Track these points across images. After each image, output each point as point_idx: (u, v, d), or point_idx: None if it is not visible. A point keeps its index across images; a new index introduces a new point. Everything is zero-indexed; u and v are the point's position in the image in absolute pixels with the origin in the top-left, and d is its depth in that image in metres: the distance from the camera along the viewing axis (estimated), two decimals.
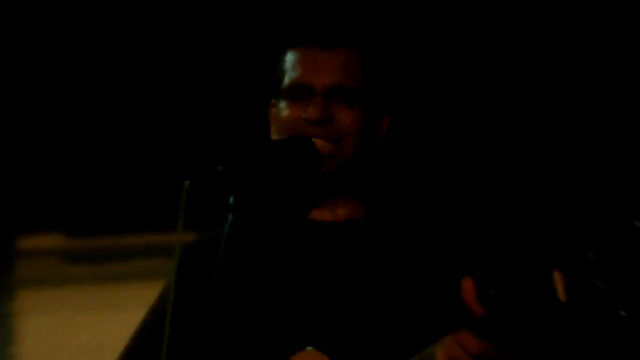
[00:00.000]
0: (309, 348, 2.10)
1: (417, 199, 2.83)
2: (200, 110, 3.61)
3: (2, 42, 3.88)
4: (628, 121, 3.87)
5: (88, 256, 4.12)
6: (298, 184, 2.26)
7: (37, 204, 4.13)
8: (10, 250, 4.22)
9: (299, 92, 2.27)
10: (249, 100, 2.72)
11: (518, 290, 1.88)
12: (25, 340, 4.13)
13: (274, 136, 2.28)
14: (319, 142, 2.17)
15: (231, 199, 1.97)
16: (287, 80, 2.30)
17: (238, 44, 2.93)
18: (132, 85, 3.84)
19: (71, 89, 3.92)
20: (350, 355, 2.09)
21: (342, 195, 2.34)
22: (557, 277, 1.79)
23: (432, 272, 2.20)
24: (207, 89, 3.71)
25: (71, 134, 4.00)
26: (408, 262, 2.25)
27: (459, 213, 2.75)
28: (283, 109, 2.29)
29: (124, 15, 3.78)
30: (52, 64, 3.87)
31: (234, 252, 2.07)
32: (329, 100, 2.24)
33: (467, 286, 1.85)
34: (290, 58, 2.34)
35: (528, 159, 3.80)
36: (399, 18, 3.66)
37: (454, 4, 3.83)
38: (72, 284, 4.10)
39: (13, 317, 4.22)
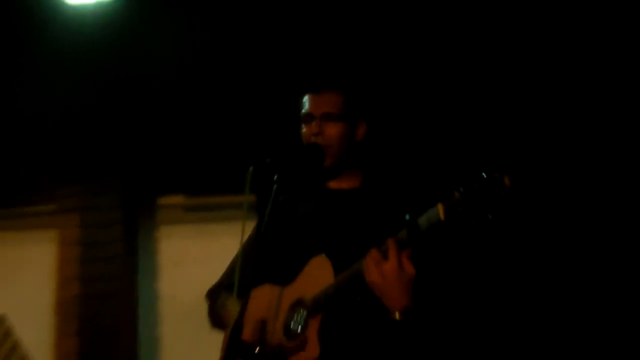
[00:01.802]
0: (322, 255, 2.74)
1: (388, 175, 3.16)
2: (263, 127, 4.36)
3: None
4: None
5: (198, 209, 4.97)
6: (312, 169, 2.93)
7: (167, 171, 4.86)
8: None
9: (307, 119, 3.00)
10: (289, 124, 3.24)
11: (419, 215, 2.46)
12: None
13: (302, 143, 2.99)
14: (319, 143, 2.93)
15: (275, 177, 2.72)
16: (303, 112, 3.04)
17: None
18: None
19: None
20: (343, 262, 2.65)
21: (345, 173, 3.01)
22: (440, 207, 2.38)
23: (392, 215, 2.74)
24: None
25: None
26: (381, 210, 2.86)
27: (406, 182, 3.10)
28: (303, 127, 3.03)
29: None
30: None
31: (279, 209, 2.78)
32: (322, 121, 2.97)
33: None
34: (305, 99, 3.05)
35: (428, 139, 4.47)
36: (363, 70, 4.31)
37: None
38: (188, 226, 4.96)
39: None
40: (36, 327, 4.49)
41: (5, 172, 4.79)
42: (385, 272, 2.48)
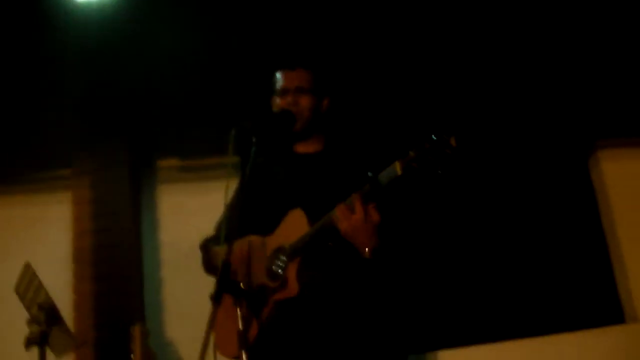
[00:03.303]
0: (297, 208, 2.93)
1: (347, 140, 3.27)
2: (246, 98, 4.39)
3: None
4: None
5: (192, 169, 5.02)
6: (284, 132, 3.11)
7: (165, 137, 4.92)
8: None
9: (283, 91, 3.17)
10: (264, 95, 3.30)
11: (379, 172, 2.64)
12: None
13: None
14: (292, 111, 3.12)
15: (254, 139, 2.80)
16: (278, 86, 3.20)
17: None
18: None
19: None
20: (316, 216, 2.81)
21: (311, 138, 3.19)
22: (397, 164, 2.57)
23: (352, 172, 2.89)
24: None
25: None
26: (342, 169, 3.01)
27: (363, 145, 3.25)
28: (277, 99, 3.19)
29: None
30: None
31: (257, 169, 2.87)
32: (295, 94, 3.14)
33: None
34: (278, 76, 3.22)
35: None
36: (328, 51, 4.41)
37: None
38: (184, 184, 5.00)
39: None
40: (57, 274, 4.48)
41: (26, 141, 4.80)
42: (354, 221, 2.65)
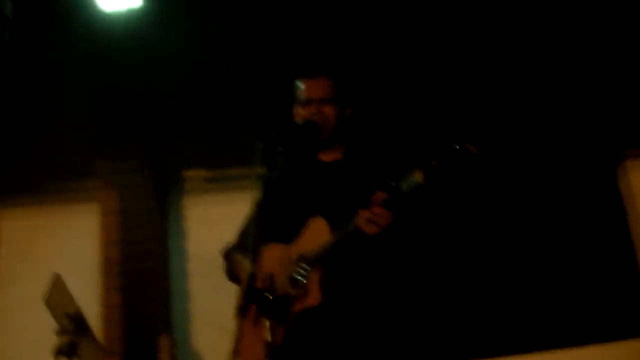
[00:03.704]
0: (319, 216, 2.92)
1: (366, 149, 3.24)
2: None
3: None
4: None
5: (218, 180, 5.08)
6: (309, 142, 3.10)
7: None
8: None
9: (306, 101, 3.14)
10: (287, 106, 3.26)
11: (400, 181, 2.61)
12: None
13: (298, 121, 3.13)
14: (316, 121, 3.10)
15: (280, 149, 2.79)
16: (300, 95, 3.17)
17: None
18: None
19: None
20: (337, 223, 2.80)
21: (333, 147, 3.17)
22: (419, 173, 2.56)
23: (371, 181, 2.82)
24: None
25: None
26: (361, 177, 2.99)
27: (383, 154, 3.20)
28: (300, 109, 3.16)
29: None
30: None
31: (285, 175, 2.99)
32: (319, 104, 3.12)
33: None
34: (300, 85, 3.19)
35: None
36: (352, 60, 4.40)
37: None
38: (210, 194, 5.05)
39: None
40: (85, 284, 4.50)
41: (52, 152, 4.84)
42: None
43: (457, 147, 2.48)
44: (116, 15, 4.45)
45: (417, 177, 2.55)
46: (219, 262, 3.30)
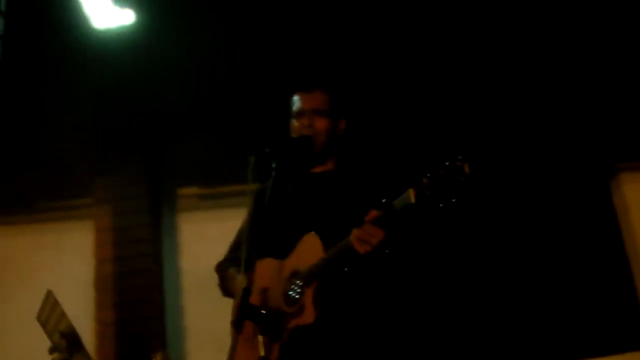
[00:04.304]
0: (312, 232, 2.89)
1: (359, 161, 3.27)
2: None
3: None
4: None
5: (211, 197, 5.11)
6: (303, 157, 3.08)
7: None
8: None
9: (300, 113, 3.14)
10: (282, 119, 3.26)
11: (395, 198, 2.58)
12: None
13: (293, 135, 3.13)
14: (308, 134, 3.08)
15: (273, 164, 2.84)
16: (294, 109, 3.18)
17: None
18: None
19: None
20: (330, 238, 2.79)
21: (326, 159, 3.17)
22: (411, 191, 2.52)
23: (363, 193, 2.91)
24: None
25: None
26: (354, 190, 3.02)
27: (376, 166, 3.23)
28: (294, 122, 3.16)
29: None
30: None
31: (277, 188, 2.91)
32: (312, 116, 3.11)
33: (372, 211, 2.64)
34: (295, 98, 3.20)
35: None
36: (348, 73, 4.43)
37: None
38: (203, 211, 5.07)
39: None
40: (79, 301, 4.53)
41: (46, 170, 4.85)
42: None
43: (449, 165, 2.46)
44: (109, 33, 4.47)
45: (410, 196, 2.52)
46: (213, 279, 3.28)
